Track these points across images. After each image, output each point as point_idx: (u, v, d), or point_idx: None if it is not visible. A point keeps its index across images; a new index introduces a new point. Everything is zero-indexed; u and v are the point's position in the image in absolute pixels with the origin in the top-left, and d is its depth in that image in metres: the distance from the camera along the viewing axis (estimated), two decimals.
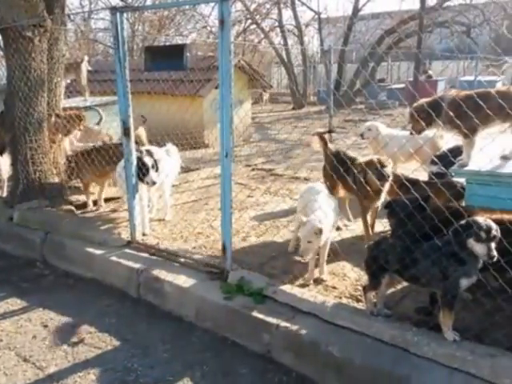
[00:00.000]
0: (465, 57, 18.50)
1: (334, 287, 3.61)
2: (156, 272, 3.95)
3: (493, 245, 2.53)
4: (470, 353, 2.54)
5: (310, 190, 4.16)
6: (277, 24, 19.98)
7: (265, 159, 8.91)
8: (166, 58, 3.98)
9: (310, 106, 19.39)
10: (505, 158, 3.55)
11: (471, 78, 17.26)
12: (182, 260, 4.10)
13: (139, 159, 4.49)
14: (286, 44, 19.31)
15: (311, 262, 3.69)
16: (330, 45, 12.43)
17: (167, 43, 20.78)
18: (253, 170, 8.05)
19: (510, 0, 17.37)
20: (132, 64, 10.23)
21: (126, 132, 4.28)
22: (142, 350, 3.30)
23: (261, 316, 3.20)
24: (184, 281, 3.76)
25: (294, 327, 3.02)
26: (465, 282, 2.67)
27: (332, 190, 4.64)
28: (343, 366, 2.77)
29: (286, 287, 3.45)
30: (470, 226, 2.60)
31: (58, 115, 5.79)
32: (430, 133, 6.06)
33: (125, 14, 4.15)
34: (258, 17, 19.95)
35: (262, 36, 21.14)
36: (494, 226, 2.56)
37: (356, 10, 18.54)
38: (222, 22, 3.38)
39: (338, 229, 4.83)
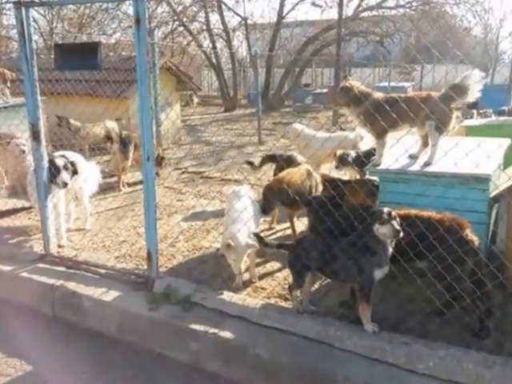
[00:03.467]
0: (379, 64, 19.57)
1: (263, 288, 3.56)
2: (73, 286, 3.64)
3: (395, 223, 2.65)
4: (387, 343, 2.64)
5: (233, 194, 4.08)
6: (205, 27, 19.81)
7: (195, 162, 8.73)
8: (79, 56, 3.70)
9: (240, 109, 19.45)
10: (412, 156, 3.72)
11: (386, 83, 18.32)
12: (103, 271, 3.83)
13: (50, 161, 4.15)
14: (214, 47, 19.18)
15: (238, 266, 3.61)
16: (256, 50, 12.47)
17: None
18: (183, 173, 7.84)
19: (417, 13, 18.67)
20: (49, 63, 9.67)
21: (35, 136, 3.92)
22: (58, 373, 3.01)
23: (188, 324, 3.05)
24: (105, 293, 3.50)
25: (222, 333, 2.92)
26: (378, 273, 2.76)
27: None
28: (271, 367, 2.73)
29: (215, 292, 3.33)
30: (373, 213, 2.73)
31: None
32: (350, 134, 6.32)
33: (31, 10, 3.81)
34: (185, 19, 19.65)
35: (191, 38, 20.86)
36: (390, 210, 2.72)
37: (280, 17, 18.88)
38: (137, 20, 3.21)
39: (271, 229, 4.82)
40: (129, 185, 6.98)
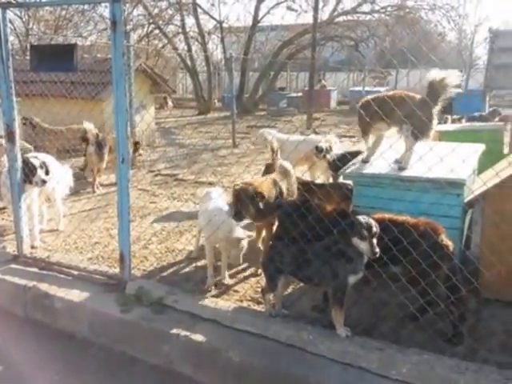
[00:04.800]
0: (354, 69, 19.90)
1: (236, 291, 3.63)
2: (45, 287, 3.64)
3: (374, 241, 2.70)
4: (360, 347, 2.68)
5: (206, 195, 4.15)
6: (180, 30, 19.79)
7: (169, 164, 8.75)
8: (55, 58, 3.70)
9: (215, 112, 19.51)
10: (397, 162, 3.76)
11: (360, 88, 18.66)
12: (76, 273, 3.84)
13: (25, 161, 4.15)
14: (189, 50, 19.19)
15: (210, 268, 3.70)
16: (231, 53, 12.55)
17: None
18: (156, 175, 7.86)
19: (392, 18, 19.00)
20: (25, 64, 9.49)
21: (9, 137, 3.90)
22: (30, 373, 3.01)
23: (160, 327, 3.09)
24: (77, 295, 3.51)
25: (194, 336, 2.95)
26: (352, 279, 2.82)
27: None
28: (242, 371, 2.76)
29: (187, 295, 3.38)
30: (354, 225, 2.74)
31: None
32: (322, 138, 6.43)
33: (8, 11, 3.80)
34: (160, 22, 19.61)
35: (166, 41, 20.81)
36: (373, 223, 2.73)
37: (256, 20, 19.04)
38: (114, 23, 3.25)
39: None
40: (103, 186, 6.96)
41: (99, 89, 9.84)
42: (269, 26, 21.84)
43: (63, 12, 19.23)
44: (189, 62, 19.86)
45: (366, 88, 17.46)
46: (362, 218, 2.76)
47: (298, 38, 18.24)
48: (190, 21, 19.69)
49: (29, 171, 4.15)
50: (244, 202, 3.56)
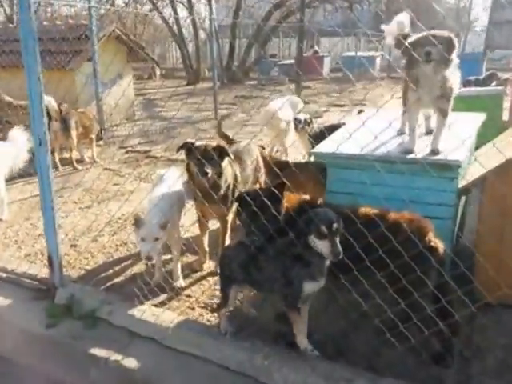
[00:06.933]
0: (348, 33, 18.89)
1: (189, 295, 3.05)
2: None
3: (337, 240, 2.11)
4: (324, 379, 2.11)
5: (158, 178, 3.53)
6: None
7: (143, 140, 8.07)
8: None
9: (204, 82, 18.57)
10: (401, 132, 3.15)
11: (352, 53, 17.71)
12: (4, 275, 3.26)
13: None
14: (175, 13, 18.05)
15: (157, 263, 3.16)
16: (210, 15, 11.57)
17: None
18: (127, 152, 7.19)
19: None
20: None
21: None
22: None
23: (88, 347, 2.54)
24: (0, 304, 2.94)
25: (126, 360, 2.41)
26: (309, 286, 2.23)
27: None
28: None
29: (125, 305, 2.79)
30: (311, 220, 2.14)
31: None
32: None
33: None
34: None
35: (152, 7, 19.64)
36: (334, 217, 2.14)
37: None
38: None
39: None
40: (64, 167, 6.31)
41: (69, 57, 9.07)
42: None
43: None
44: (176, 29, 18.78)
45: (360, 53, 16.54)
46: (321, 211, 2.17)
47: (289, 0, 17.09)
48: None
49: None
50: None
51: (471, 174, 2.87)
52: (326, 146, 3.07)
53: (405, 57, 2.88)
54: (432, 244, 2.26)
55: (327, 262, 2.23)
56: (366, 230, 2.19)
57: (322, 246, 2.12)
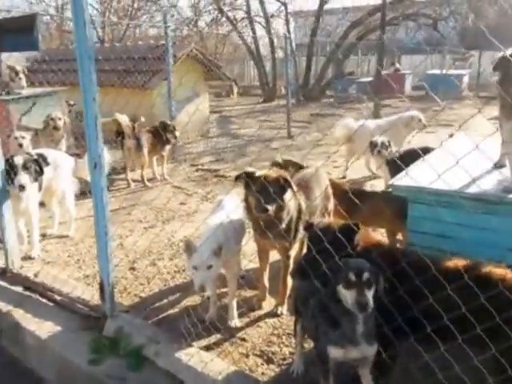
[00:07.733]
0: (432, 50, 17.84)
1: (243, 339, 2.73)
2: (19, 316, 3.00)
3: (368, 293, 1.74)
4: None
5: (217, 204, 3.28)
6: (245, 15, 18.97)
7: (214, 157, 7.97)
8: (8, 33, 2.97)
9: (280, 99, 18.48)
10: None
11: (438, 71, 16.68)
12: (59, 298, 3.17)
13: (7, 161, 3.54)
14: (254, 33, 18.23)
15: (212, 297, 2.91)
16: (285, 33, 11.39)
17: None
18: (197, 170, 7.12)
19: None
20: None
21: None
22: None
23: None
24: (48, 330, 2.82)
25: None
26: (334, 352, 1.85)
27: None
28: None
29: (174, 346, 2.52)
30: (340, 268, 1.82)
31: None
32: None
33: None
34: (226, 8, 18.95)
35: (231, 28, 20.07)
36: (368, 267, 1.78)
37: (322, 1, 17.58)
38: None
39: None
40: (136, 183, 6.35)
41: (149, 76, 9.33)
42: (339, 8, 20.36)
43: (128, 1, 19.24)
44: (254, 48, 18.97)
45: (445, 71, 15.51)
46: (354, 260, 1.87)
47: (368, 18, 16.50)
48: (254, 5, 18.71)
49: (12, 173, 3.54)
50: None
51: None
52: (407, 179, 2.63)
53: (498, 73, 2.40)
54: None
55: (360, 328, 1.81)
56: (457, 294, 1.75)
57: (348, 295, 1.77)
